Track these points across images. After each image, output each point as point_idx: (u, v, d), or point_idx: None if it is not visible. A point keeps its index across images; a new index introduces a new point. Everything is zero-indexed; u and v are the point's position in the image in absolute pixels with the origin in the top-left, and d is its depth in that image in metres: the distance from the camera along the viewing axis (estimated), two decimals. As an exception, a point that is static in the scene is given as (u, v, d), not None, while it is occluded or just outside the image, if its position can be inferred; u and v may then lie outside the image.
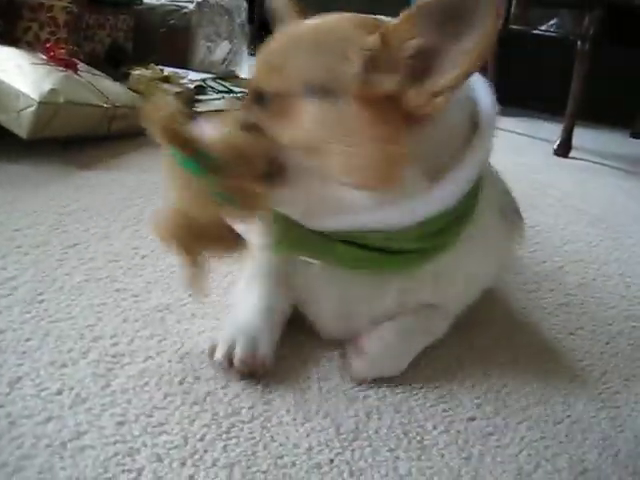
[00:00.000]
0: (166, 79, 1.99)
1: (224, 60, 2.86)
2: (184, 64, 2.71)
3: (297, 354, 0.93)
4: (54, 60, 1.68)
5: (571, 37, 2.73)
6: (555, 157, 2.72)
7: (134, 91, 1.89)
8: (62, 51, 1.72)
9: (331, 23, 0.83)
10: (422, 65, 0.75)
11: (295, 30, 0.85)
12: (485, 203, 0.93)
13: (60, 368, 0.82)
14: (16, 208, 1.27)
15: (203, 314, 0.99)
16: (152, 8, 2.69)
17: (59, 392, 0.77)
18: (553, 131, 3.05)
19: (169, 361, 0.87)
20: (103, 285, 1.03)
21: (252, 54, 3.91)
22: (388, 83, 0.76)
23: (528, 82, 3.72)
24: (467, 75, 0.74)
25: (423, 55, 0.75)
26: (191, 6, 2.70)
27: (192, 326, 0.96)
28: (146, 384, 0.81)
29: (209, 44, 2.75)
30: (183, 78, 2.14)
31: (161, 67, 2.39)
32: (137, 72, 1.95)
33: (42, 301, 0.96)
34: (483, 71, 0.86)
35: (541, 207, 1.95)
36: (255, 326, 0.88)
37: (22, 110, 1.45)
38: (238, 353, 0.84)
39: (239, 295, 0.97)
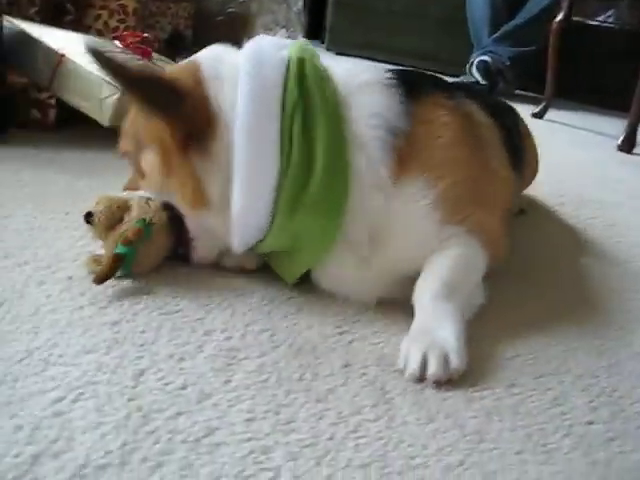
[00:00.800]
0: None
1: (280, 49, 2.85)
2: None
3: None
4: (130, 48, 1.68)
5: (628, 27, 2.65)
6: (619, 153, 2.66)
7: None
8: (137, 39, 1.71)
9: None
10: None
11: None
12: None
13: (179, 362, 0.81)
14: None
15: (309, 309, 0.98)
16: (211, -4, 2.67)
17: (183, 387, 0.77)
18: (613, 125, 2.98)
19: (284, 357, 0.86)
20: (206, 278, 1.03)
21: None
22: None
23: (588, 75, 3.64)
24: None
25: None
26: (250, -6, 2.68)
27: (300, 321, 0.95)
28: (266, 380, 0.81)
29: (268, 32, 2.73)
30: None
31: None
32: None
33: (149, 292, 0.96)
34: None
35: (612, 204, 1.90)
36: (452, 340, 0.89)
37: (105, 98, 1.45)
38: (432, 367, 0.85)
39: (432, 306, 0.94)
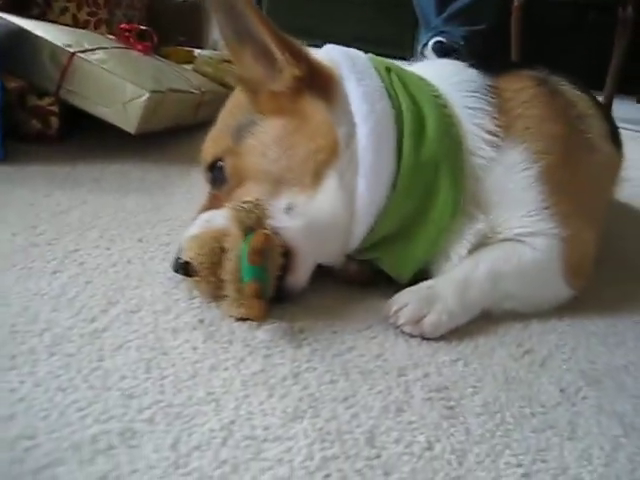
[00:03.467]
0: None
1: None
2: (198, 44, 2.51)
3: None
4: (130, 43, 1.47)
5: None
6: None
7: (201, 74, 1.69)
8: (136, 31, 1.50)
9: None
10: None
11: None
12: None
13: (398, 414, 0.67)
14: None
15: (476, 328, 0.86)
16: (162, -16, 2.45)
17: (429, 447, 0.63)
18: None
19: (498, 389, 0.74)
20: (342, 303, 0.89)
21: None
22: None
23: (552, 52, 3.66)
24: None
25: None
26: (203, -18, 2.48)
27: (477, 343, 0.83)
28: (502, 422, 0.68)
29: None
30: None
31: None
32: (205, 53, 1.75)
33: (303, 331, 0.80)
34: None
35: None
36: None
37: (129, 102, 1.24)
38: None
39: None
